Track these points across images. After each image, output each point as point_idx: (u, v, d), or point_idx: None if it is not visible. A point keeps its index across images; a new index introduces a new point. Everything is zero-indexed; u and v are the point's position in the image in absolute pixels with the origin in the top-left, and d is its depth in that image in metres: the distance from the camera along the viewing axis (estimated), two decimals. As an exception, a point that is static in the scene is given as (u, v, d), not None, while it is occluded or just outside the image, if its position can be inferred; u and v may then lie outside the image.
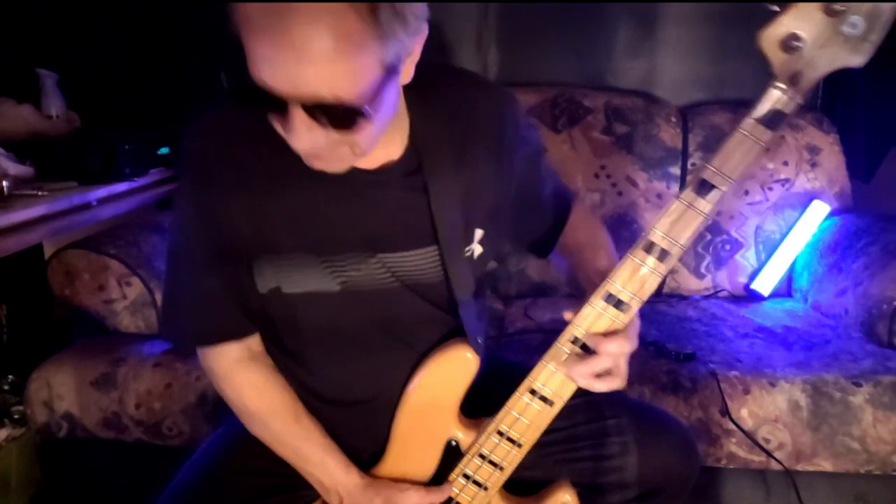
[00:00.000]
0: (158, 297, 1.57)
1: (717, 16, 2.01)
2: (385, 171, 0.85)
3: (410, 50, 0.72)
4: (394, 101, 0.76)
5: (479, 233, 0.92)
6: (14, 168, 1.58)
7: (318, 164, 0.77)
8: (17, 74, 2.00)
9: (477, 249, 0.92)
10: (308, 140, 0.70)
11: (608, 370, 0.81)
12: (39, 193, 1.54)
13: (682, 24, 2.04)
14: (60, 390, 1.45)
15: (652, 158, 1.90)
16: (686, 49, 2.06)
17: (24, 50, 2.11)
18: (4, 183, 1.50)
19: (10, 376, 1.67)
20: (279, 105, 0.68)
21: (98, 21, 2.13)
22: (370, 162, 0.84)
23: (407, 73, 0.76)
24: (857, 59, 0.71)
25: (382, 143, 0.82)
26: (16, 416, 1.57)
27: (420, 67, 0.76)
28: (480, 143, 0.90)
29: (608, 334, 0.80)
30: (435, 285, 0.90)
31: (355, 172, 0.83)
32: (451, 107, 0.88)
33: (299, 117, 0.68)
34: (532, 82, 2.00)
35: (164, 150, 1.95)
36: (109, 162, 1.73)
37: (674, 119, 1.94)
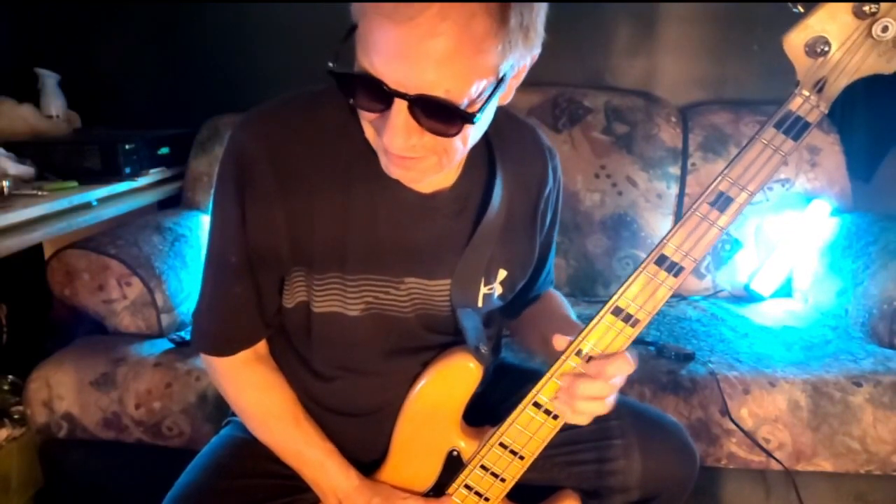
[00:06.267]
0: (158, 297, 1.57)
1: (717, 16, 2.01)
2: (437, 197, 0.84)
3: (518, 69, 0.72)
4: (491, 118, 0.75)
5: (502, 273, 0.91)
6: (14, 168, 1.58)
7: (398, 172, 0.75)
8: (17, 74, 2.00)
9: (498, 289, 0.92)
10: (404, 139, 0.68)
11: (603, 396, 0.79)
12: (39, 193, 1.54)
13: (682, 24, 2.04)
14: (60, 390, 1.45)
15: (652, 158, 1.90)
16: (686, 49, 2.06)
17: (24, 50, 2.12)
18: (4, 183, 1.50)
19: (10, 376, 1.67)
20: (381, 101, 0.67)
21: (98, 21, 2.13)
22: (425, 185, 0.83)
23: (508, 95, 0.75)
24: (888, 66, 0.67)
25: None
26: (16, 416, 1.57)
27: None
28: (526, 188, 0.91)
29: (609, 356, 0.77)
30: (446, 319, 0.89)
31: (410, 194, 0.82)
32: (511, 148, 0.88)
33: (401, 114, 0.67)
34: (532, 82, 1.99)
35: (164, 150, 1.95)
36: (109, 162, 1.73)
37: (674, 119, 1.94)
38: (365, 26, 0.65)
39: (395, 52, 0.63)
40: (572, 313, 1.00)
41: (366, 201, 0.81)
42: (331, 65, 0.68)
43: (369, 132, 0.74)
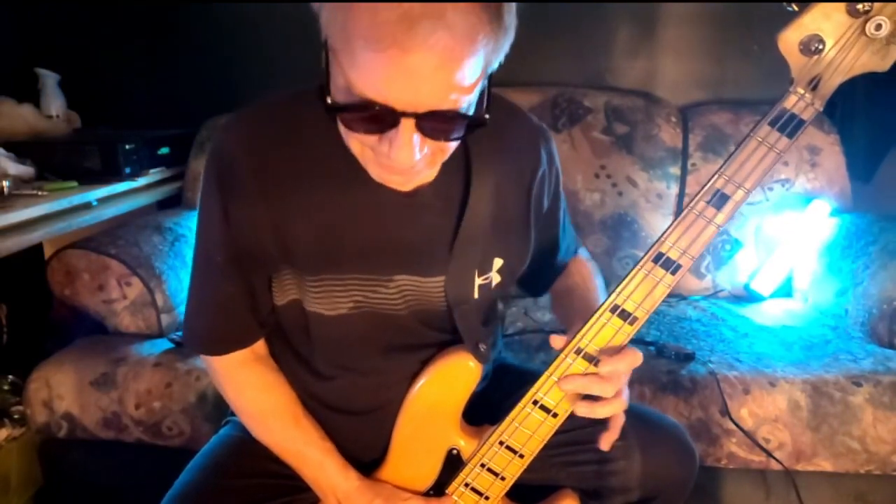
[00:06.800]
0: (158, 297, 1.57)
1: (717, 16, 2.01)
2: (419, 193, 0.83)
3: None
4: None
5: (498, 262, 0.91)
6: (14, 168, 1.58)
7: (394, 180, 0.75)
8: (17, 74, 2.00)
9: (495, 279, 0.91)
10: (413, 155, 0.68)
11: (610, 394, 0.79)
12: (39, 193, 1.54)
13: (682, 24, 2.04)
14: (60, 390, 1.45)
15: (652, 158, 1.90)
16: (686, 49, 2.06)
17: (24, 50, 2.12)
18: (4, 183, 1.50)
19: (10, 376, 1.67)
20: (387, 123, 0.66)
21: (98, 21, 2.13)
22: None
23: None
24: (881, 64, 0.67)
25: None
26: (16, 416, 1.57)
27: None
28: (515, 175, 0.90)
29: (614, 352, 0.78)
30: (442, 314, 0.89)
31: (391, 192, 0.81)
32: (495, 135, 0.86)
33: (409, 132, 0.66)
34: (532, 82, 2.00)
35: (164, 150, 1.96)
36: (109, 162, 1.73)
37: (674, 119, 1.94)
38: (364, 53, 0.62)
39: (407, 78, 0.62)
40: (599, 284, 1.00)
41: (348, 201, 0.81)
42: (329, 101, 0.68)
43: (356, 147, 0.73)
